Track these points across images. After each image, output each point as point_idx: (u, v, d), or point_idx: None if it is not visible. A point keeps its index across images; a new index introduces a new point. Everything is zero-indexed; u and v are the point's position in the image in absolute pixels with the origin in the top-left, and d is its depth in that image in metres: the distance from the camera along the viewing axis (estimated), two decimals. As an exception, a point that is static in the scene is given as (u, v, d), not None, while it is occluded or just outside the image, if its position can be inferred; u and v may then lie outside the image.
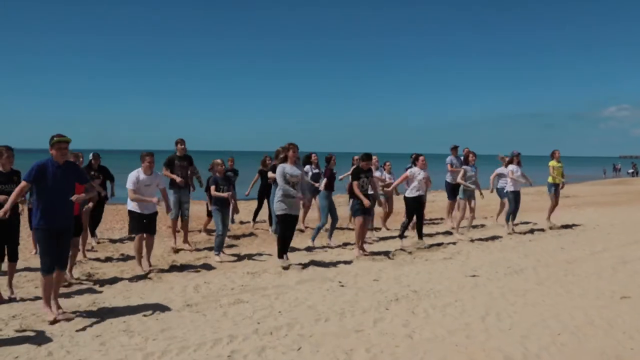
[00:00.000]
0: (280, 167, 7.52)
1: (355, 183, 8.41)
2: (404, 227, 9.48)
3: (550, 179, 12.00)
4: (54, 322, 5.02)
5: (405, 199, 9.45)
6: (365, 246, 8.94)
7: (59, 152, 5.11)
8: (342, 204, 16.90)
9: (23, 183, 5.09)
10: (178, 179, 8.74)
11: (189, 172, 9.18)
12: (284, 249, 7.71)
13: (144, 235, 7.30)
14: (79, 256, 7.43)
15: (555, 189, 11.95)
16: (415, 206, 9.29)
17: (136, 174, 7.21)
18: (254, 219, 11.40)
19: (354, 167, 8.90)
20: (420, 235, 9.45)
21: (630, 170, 49.10)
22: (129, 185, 7.15)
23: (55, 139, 5.11)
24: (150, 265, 7.39)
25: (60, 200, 5.11)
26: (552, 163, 11.90)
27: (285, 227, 7.64)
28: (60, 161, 5.14)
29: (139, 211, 7.21)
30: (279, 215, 7.60)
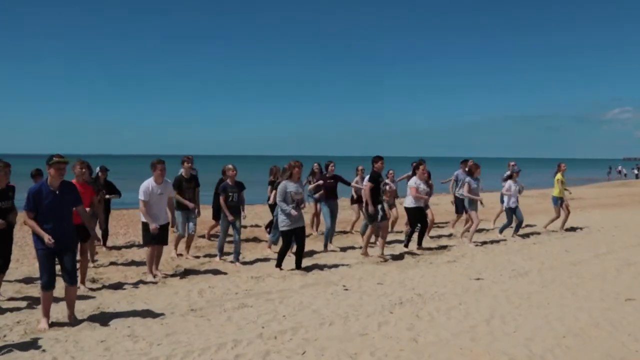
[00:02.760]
0: (282, 185, 7.59)
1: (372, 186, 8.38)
2: (409, 236, 9.50)
3: (556, 193, 11.70)
4: (42, 330, 5.04)
5: (407, 209, 9.40)
6: (370, 250, 8.94)
7: (57, 172, 5.11)
8: (346, 207, 16.88)
9: (29, 214, 5.06)
10: (191, 205, 8.40)
11: (195, 192, 8.90)
12: (282, 260, 7.84)
13: (156, 245, 7.21)
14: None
15: (561, 202, 11.75)
16: (417, 216, 9.30)
17: (147, 185, 7.03)
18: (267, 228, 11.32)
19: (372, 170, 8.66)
20: (420, 243, 9.48)
21: (635, 172, 48.97)
22: (141, 196, 6.97)
23: (55, 159, 5.11)
24: (158, 270, 7.38)
25: (56, 223, 5.10)
26: (559, 177, 11.66)
27: (288, 242, 7.75)
28: (55, 184, 5.14)
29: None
30: (283, 231, 7.67)
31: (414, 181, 9.36)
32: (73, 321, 5.25)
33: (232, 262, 8.19)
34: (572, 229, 12.08)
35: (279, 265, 7.80)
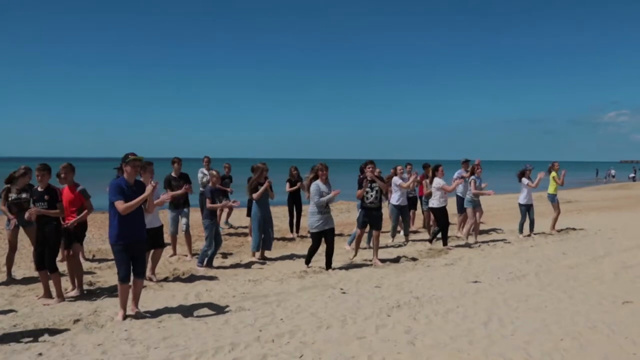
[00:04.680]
0: (314, 185, 7.87)
1: None
2: (434, 235, 10.01)
3: (551, 190, 12.08)
4: (119, 320, 5.40)
5: (432, 209, 9.88)
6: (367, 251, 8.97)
7: (133, 170, 5.47)
8: (344, 210, 16.90)
9: (121, 204, 5.31)
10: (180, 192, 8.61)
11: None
12: (311, 259, 8.19)
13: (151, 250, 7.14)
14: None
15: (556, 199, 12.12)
16: (443, 214, 9.79)
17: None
18: (297, 230, 11.39)
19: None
20: (445, 242, 9.91)
21: (632, 175, 49.08)
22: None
23: (130, 157, 5.45)
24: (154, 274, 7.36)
25: (130, 217, 5.41)
26: (554, 174, 12.03)
27: (318, 242, 7.99)
28: (131, 181, 5.48)
29: None
30: (313, 233, 7.92)
31: (437, 182, 9.82)
32: (137, 314, 5.56)
33: (199, 265, 8.14)
34: (570, 232, 12.11)
35: (307, 262, 8.15)
